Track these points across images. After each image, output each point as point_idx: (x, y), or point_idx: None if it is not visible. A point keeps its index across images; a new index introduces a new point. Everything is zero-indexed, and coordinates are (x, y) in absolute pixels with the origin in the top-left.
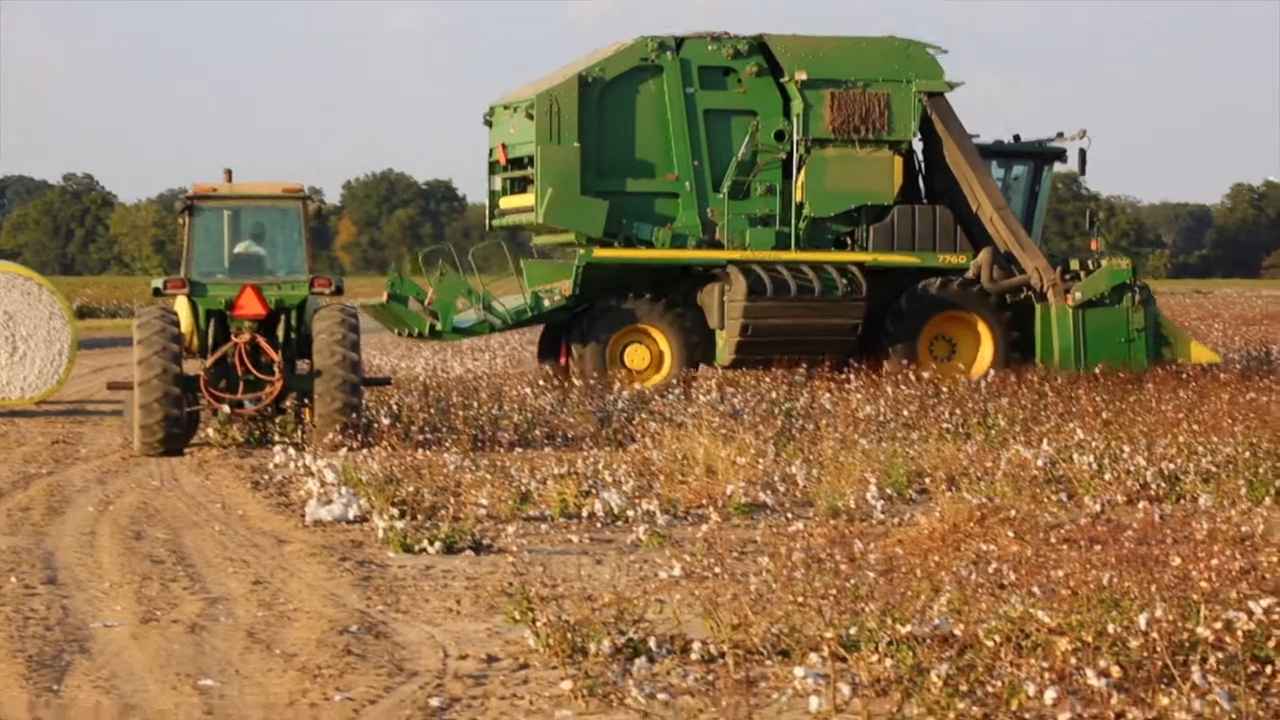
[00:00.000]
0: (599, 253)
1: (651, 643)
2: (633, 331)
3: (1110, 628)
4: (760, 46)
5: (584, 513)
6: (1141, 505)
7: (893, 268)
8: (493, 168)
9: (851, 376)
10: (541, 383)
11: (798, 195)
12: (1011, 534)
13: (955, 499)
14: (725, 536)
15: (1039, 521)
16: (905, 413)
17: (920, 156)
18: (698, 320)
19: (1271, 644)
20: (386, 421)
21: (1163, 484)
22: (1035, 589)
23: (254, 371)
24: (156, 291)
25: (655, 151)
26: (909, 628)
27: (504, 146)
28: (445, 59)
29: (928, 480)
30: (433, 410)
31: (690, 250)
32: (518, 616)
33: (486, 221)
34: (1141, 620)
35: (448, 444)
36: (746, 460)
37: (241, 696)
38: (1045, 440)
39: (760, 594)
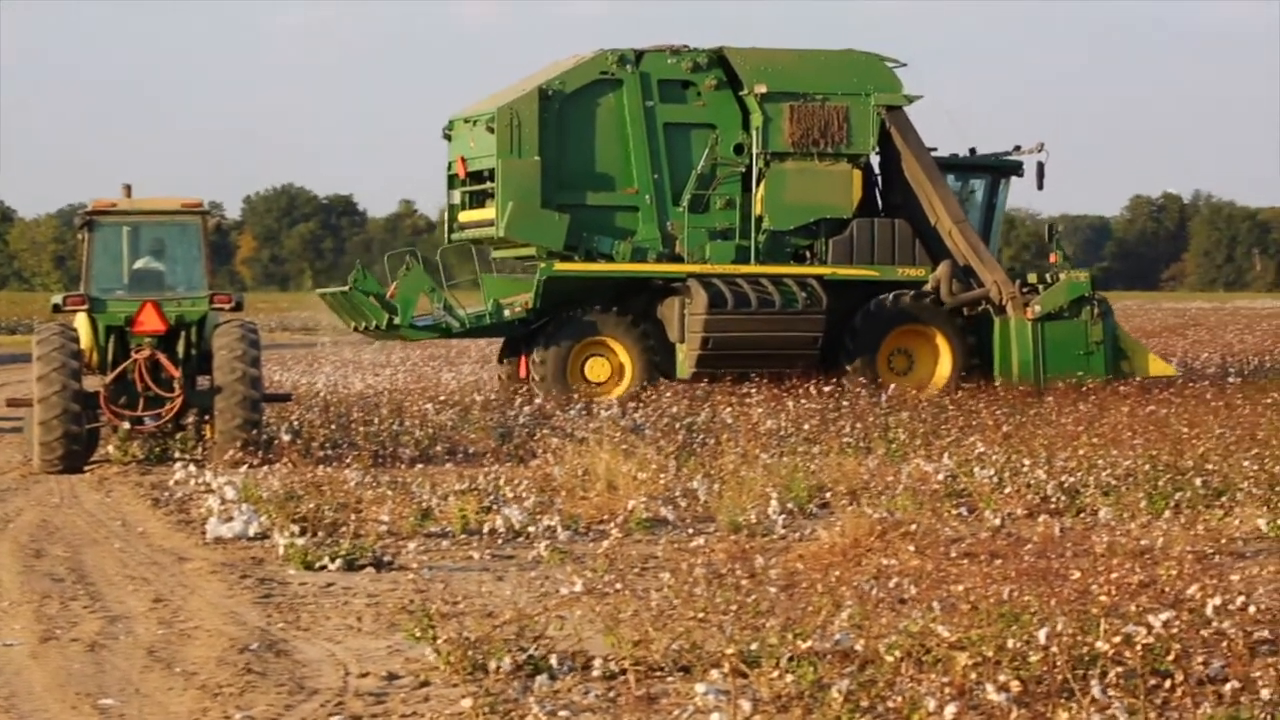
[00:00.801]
0: (560, 266)
1: (553, 660)
2: (593, 344)
3: (1010, 642)
4: (720, 60)
5: (485, 529)
6: (1042, 519)
7: (852, 281)
8: (451, 181)
9: (753, 391)
10: (442, 398)
11: (757, 209)
12: (912, 548)
13: (856, 513)
14: (626, 552)
15: (939, 536)
16: (806, 427)
17: (876, 170)
18: (658, 333)
19: (1171, 658)
20: (287, 438)
21: (1063, 497)
22: (935, 604)
23: (154, 388)
24: (56, 308)
25: (615, 165)
26: (810, 643)
27: (463, 160)
28: (341, 70)
29: (829, 495)
30: (334, 426)
31: (651, 264)
32: (419, 634)
33: (445, 236)
34: (1041, 634)
35: (349, 460)
36: (648, 475)
37: (141, 715)
38: (946, 454)
39: (661, 610)
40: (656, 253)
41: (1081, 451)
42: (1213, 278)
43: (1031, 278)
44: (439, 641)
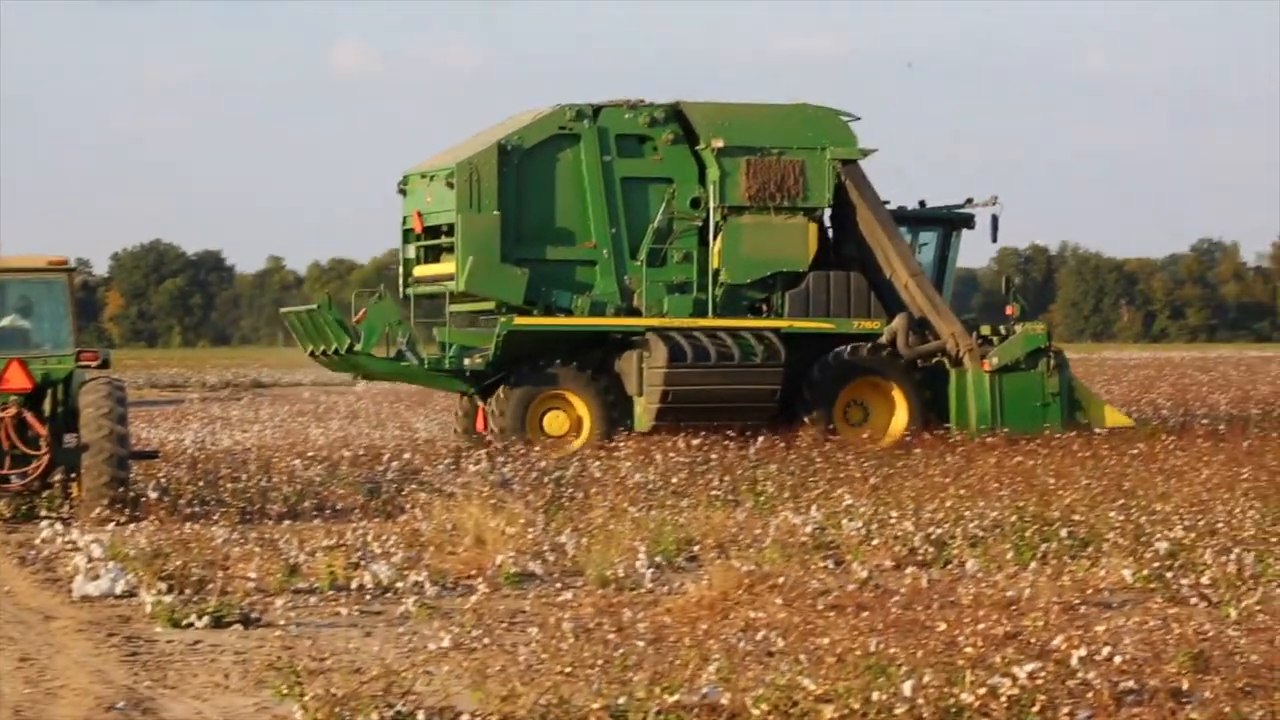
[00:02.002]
0: (520, 321)
1: (420, 715)
2: (552, 397)
3: (876, 694)
4: (676, 114)
5: (353, 585)
6: (909, 570)
7: (808, 334)
8: (406, 236)
9: (621, 444)
10: (310, 454)
11: (714, 262)
12: (780, 601)
13: (724, 566)
14: (494, 607)
15: (807, 588)
16: (675, 480)
17: (829, 222)
18: (616, 386)
19: (1036, 709)
20: (154, 495)
21: (930, 549)
22: (802, 656)
23: (21, 446)
24: None
25: (574, 219)
26: (677, 697)
27: (420, 214)
28: (212, 125)
29: (697, 548)
30: (201, 483)
31: (609, 317)
32: (286, 690)
33: (400, 289)
34: (907, 687)
35: (216, 517)
36: (516, 530)
37: None
38: (814, 506)
39: (529, 664)
40: (615, 306)
41: (949, 503)
42: (1080, 328)
43: (984, 330)
44: (306, 698)
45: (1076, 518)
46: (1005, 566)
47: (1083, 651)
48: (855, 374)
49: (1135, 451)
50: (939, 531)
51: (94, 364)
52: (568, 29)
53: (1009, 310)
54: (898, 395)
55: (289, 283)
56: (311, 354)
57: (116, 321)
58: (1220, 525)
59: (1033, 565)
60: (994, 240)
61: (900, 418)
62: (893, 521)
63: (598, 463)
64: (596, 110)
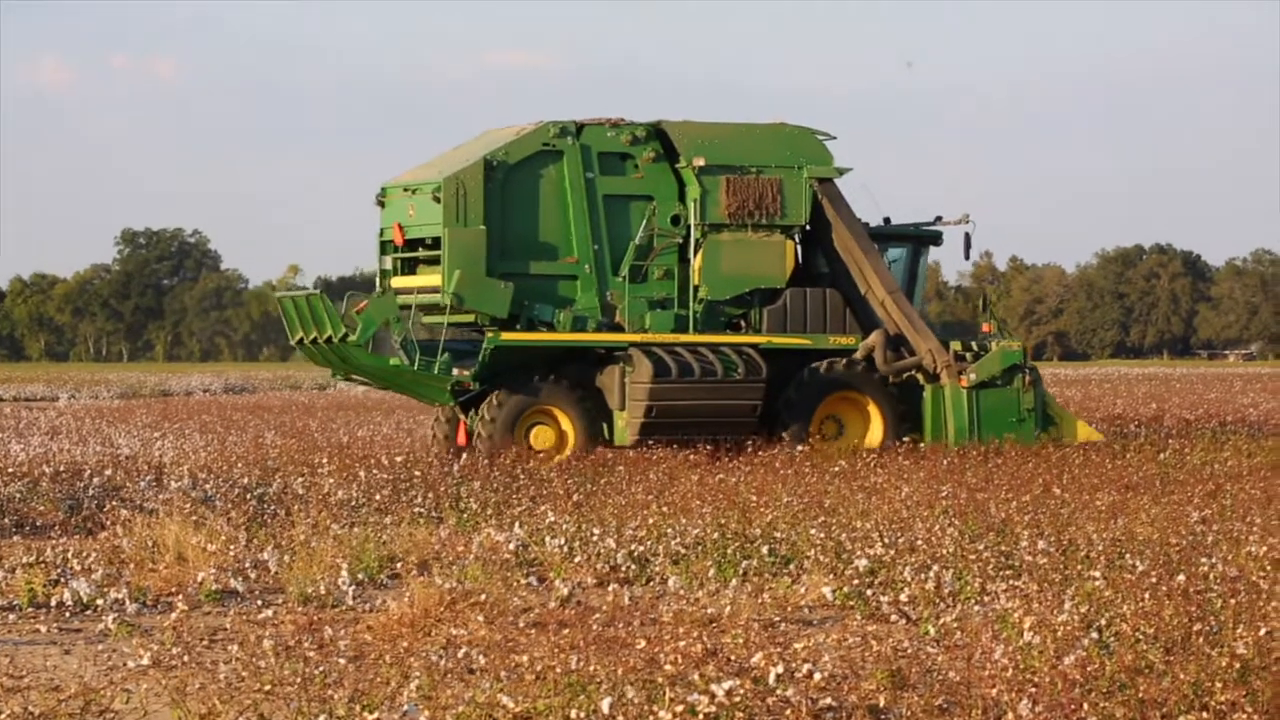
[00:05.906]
0: (507, 336)
1: None
2: (537, 412)
3: (575, 712)
4: (657, 133)
5: (53, 602)
6: (611, 588)
7: (786, 349)
8: (384, 247)
9: (325, 460)
10: (10, 470)
11: (694, 279)
12: (481, 618)
13: (426, 584)
14: (195, 624)
15: (509, 605)
16: (378, 497)
17: (797, 240)
18: (599, 400)
19: None
20: None
21: (633, 566)
22: (503, 674)
23: None
24: None
25: (557, 234)
26: (377, 715)
27: (400, 227)
28: None
29: (399, 565)
30: None
31: (591, 333)
32: None
33: None
34: (606, 704)
35: None
36: (217, 547)
37: None
38: (517, 523)
39: (229, 682)
40: (596, 322)
41: (651, 520)
42: None
43: (955, 346)
44: (3, 716)
45: (778, 535)
46: (707, 584)
47: (781, 669)
48: (831, 389)
49: (837, 469)
50: (641, 549)
51: None
52: (274, 41)
53: (986, 327)
54: (873, 410)
55: None
56: (299, 341)
57: None
58: (919, 543)
59: (734, 582)
60: (966, 258)
61: (875, 432)
62: (595, 539)
63: (300, 479)
64: (579, 128)
